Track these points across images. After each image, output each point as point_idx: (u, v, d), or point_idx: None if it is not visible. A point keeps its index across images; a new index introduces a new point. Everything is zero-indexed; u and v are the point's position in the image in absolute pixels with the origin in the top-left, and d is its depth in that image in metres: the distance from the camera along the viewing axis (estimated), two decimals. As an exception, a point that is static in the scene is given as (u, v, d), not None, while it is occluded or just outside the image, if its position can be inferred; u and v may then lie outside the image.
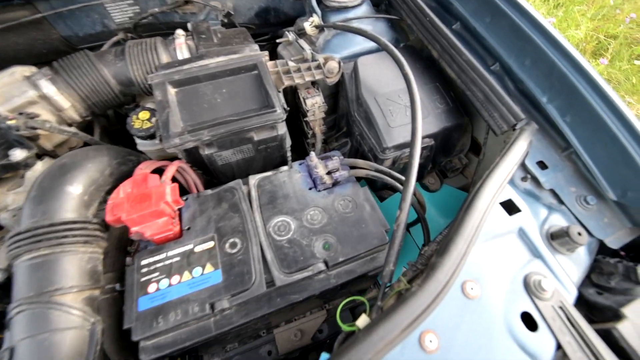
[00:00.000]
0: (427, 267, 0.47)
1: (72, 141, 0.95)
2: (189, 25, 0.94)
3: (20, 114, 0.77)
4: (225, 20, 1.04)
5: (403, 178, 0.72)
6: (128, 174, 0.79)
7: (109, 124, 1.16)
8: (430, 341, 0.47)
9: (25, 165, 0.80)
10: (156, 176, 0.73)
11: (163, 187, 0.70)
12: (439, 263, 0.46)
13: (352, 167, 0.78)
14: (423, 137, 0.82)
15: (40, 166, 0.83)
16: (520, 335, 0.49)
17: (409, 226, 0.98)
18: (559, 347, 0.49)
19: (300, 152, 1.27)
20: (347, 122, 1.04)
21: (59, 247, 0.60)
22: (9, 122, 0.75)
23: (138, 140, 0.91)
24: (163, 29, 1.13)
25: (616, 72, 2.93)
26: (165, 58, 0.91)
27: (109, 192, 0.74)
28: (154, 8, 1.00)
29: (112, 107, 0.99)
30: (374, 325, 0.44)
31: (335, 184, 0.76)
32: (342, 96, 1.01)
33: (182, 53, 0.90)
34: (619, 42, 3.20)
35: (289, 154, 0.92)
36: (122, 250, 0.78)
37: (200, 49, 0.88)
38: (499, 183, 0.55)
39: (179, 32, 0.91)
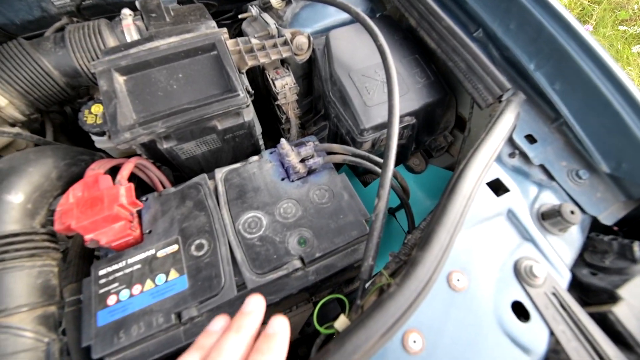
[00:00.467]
0: (408, 263, 0.42)
1: (20, 143, 0.86)
2: (137, 4, 0.83)
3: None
4: (181, -3, 0.93)
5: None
6: (81, 176, 0.71)
7: (67, 122, 1.06)
8: (414, 341, 0.43)
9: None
10: (108, 177, 0.65)
11: (117, 188, 0.63)
12: (419, 258, 0.40)
13: (329, 153, 0.72)
14: (403, 116, 0.76)
15: (-20, 173, 0.74)
16: (511, 327, 0.45)
17: (394, 211, 0.93)
18: (552, 336, 0.45)
19: (276, 138, 1.19)
20: (323, 104, 0.97)
21: (0, 263, 0.53)
22: None
23: (94, 137, 0.82)
24: (114, 11, 1.01)
25: (600, 39, 2.87)
26: (112, 42, 0.80)
27: (60, 195, 0.67)
28: (97, -14, 0.88)
29: (62, 102, 0.89)
30: (350, 331, 0.39)
31: (310, 172, 0.70)
32: (315, 75, 0.93)
33: (131, 35, 0.80)
34: (603, 8, 3.12)
35: (260, 141, 0.85)
36: (86, 258, 0.71)
37: (151, 30, 0.78)
38: (484, 163, 0.50)
39: (125, 11, 0.81)
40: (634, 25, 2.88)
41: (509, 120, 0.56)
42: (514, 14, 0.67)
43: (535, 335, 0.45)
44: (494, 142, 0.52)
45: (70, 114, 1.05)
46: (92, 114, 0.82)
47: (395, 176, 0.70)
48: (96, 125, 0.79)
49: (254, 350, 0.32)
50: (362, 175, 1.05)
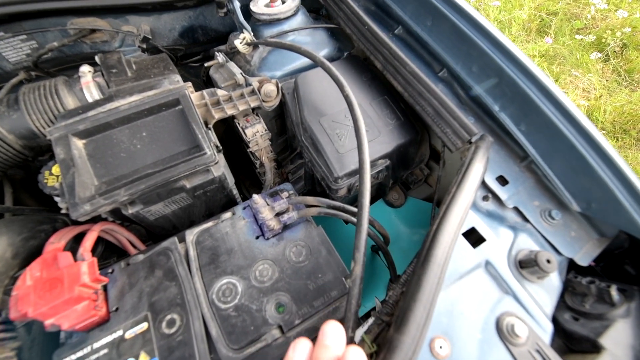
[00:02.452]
0: (384, 346, 0.40)
1: (-27, 211, 0.80)
2: (97, 58, 0.80)
3: None
4: (144, 46, 0.91)
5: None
6: (40, 249, 0.66)
7: (30, 175, 1.00)
8: None
9: None
10: (68, 254, 0.60)
11: (78, 266, 0.58)
12: (396, 342, 0.38)
13: (306, 206, 0.70)
14: (377, 159, 0.75)
15: None
16: (499, 396, 0.44)
17: (377, 249, 0.91)
18: (541, 400, 0.44)
19: (256, 180, 1.17)
20: (297, 143, 0.95)
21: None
22: None
23: (57, 199, 0.77)
24: (75, 61, 0.98)
25: (560, 48, 3.04)
26: (70, 101, 0.77)
27: (16, 278, 0.61)
28: (54, 42, 0.85)
29: (19, 163, 0.84)
30: None
31: (286, 227, 0.67)
32: (287, 117, 0.92)
33: (91, 93, 0.77)
34: (560, 19, 3.33)
35: (235, 191, 0.83)
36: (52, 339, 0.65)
37: (112, 87, 0.75)
38: (457, 219, 0.49)
39: (84, 69, 0.78)
40: (589, 34, 3.07)
41: (479, 168, 0.55)
42: (475, 58, 0.68)
43: (524, 401, 0.44)
44: (465, 195, 0.52)
45: (34, 167, 0.99)
46: (53, 175, 0.78)
47: (372, 224, 0.68)
48: (58, 188, 0.75)
49: None
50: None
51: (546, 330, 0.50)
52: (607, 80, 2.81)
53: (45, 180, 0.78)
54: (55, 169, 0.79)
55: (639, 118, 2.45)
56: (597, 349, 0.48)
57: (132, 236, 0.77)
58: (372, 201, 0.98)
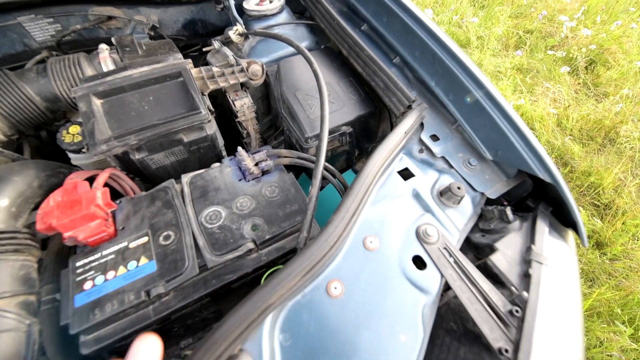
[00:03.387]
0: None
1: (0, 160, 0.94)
2: (113, 39, 0.97)
3: None
4: (152, 34, 1.08)
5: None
6: (59, 185, 0.80)
7: (42, 145, 1.14)
8: (335, 288, 0.55)
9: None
10: (86, 183, 0.75)
11: (93, 191, 0.73)
12: (330, 220, 0.54)
13: (279, 157, 0.86)
14: (341, 125, 0.92)
15: (-38, 188, 0.82)
16: (412, 275, 0.59)
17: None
18: (443, 278, 0.59)
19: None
20: (280, 120, 1.12)
21: (-14, 257, 0.61)
22: None
23: (71, 155, 0.93)
24: (90, 45, 1.15)
25: (535, 62, 3.32)
26: (89, 72, 0.93)
27: (39, 204, 0.75)
28: (76, 25, 1.02)
29: (41, 125, 0.99)
30: (277, 273, 0.51)
31: (264, 173, 0.83)
32: (271, 96, 1.09)
33: (107, 66, 0.94)
34: (535, 36, 3.63)
35: (223, 152, 0.98)
36: (61, 264, 0.79)
37: (125, 61, 0.92)
38: (386, 151, 0.66)
39: (102, 46, 0.95)
40: (560, 50, 3.35)
41: (409, 121, 0.73)
42: (416, 45, 0.87)
43: (430, 279, 0.59)
44: (396, 136, 0.68)
45: (46, 138, 1.14)
46: (70, 134, 0.93)
47: (334, 175, 0.85)
48: (73, 144, 0.90)
49: None
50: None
51: (454, 237, 0.66)
52: (576, 93, 3.07)
53: (63, 138, 0.93)
54: (72, 129, 0.94)
55: (604, 126, 2.69)
56: (493, 250, 0.64)
57: (134, 185, 0.91)
58: (342, 171, 1.15)
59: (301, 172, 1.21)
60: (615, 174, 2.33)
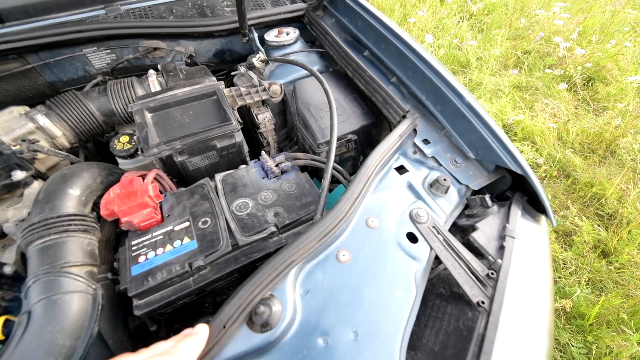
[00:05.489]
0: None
1: (62, 164, 1.13)
2: (159, 66, 1.18)
3: (23, 140, 0.95)
4: (189, 61, 1.30)
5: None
6: (115, 182, 0.98)
7: (89, 154, 1.34)
8: (344, 255, 0.69)
9: (25, 184, 0.97)
10: (140, 179, 0.93)
11: (146, 185, 0.90)
12: (339, 200, 0.69)
13: (295, 159, 1.02)
14: (347, 133, 1.09)
15: (37, 185, 1.00)
16: (406, 247, 0.72)
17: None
18: (432, 250, 0.72)
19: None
20: (295, 132, 1.30)
21: (65, 233, 0.77)
22: (13, 148, 0.93)
23: (120, 160, 1.11)
24: (136, 71, 1.37)
25: (534, 80, 3.50)
26: (140, 92, 1.13)
27: (100, 196, 0.92)
28: (129, 55, 1.24)
29: (96, 135, 1.18)
30: (298, 237, 0.65)
31: (283, 172, 0.99)
32: (287, 112, 1.28)
33: (155, 87, 1.14)
34: (533, 56, 3.83)
35: (247, 158, 1.15)
36: (110, 250, 0.94)
37: (170, 83, 1.12)
38: (384, 148, 0.81)
39: (151, 72, 1.15)
40: (558, 69, 3.53)
41: (402, 127, 0.88)
42: (409, 67, 1.04)
43: (421, 250, 0.72)
44: (391, 138, 0.84)
45: (92, 149, 1.34)
46: (120, 142, 1.12)
47: (342, 173, 1.00)
48: (123, 150, 1.09)
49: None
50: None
51: (442, 218, 0.79)
52: (575, 108, 3.21)
53: (114, 145, 1.12)
54: (123, 138, 1.13)
55: (604, 139, 2.79)
56: (474, 229, 0.77)
57: (173, 185, 1.08)
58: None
59: (314, 175, 1.37)
60: (617, 184, 2.40)
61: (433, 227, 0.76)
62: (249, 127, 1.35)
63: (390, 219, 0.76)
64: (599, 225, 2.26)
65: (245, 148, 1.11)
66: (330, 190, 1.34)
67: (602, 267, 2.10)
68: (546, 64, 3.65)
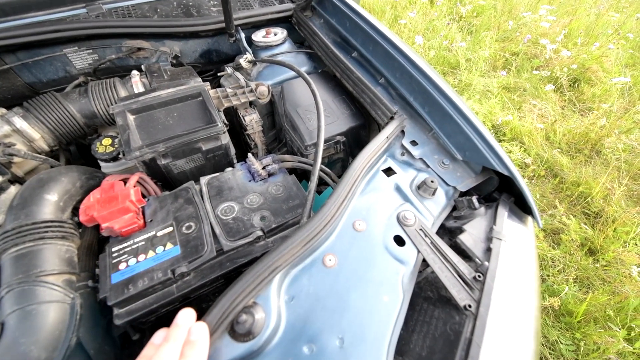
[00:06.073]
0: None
1: (41, 168, 1.09)
2: (143, 67, 1.15)
3: (-1, 144, 0.92)
4: (174, 62, 1.27)
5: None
6: (96, 187, 0.95)
7: (72, 157, 1.30)
8: (330, 259, 0.68)
9: (0, 189, 0.93)
10: (122, 183, 0.90)
11: (128, 189, 0.88)
12: (325, 204, 0.68)
13: (283, 162, 1.01)
14: (335, 135, 1.08)
15: (13, 190, 0.96)
16: (393, 250, 0.71)
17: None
18: (419, 253, 0.72)
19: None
20: (283, 134, 1.28)
21: (41, 240, 0.74)
22: (-13, 153, 0.89)
23: (102, 163, 1.08)
24: (120, 72, 1.34)
25: (522, 81, 3.55)
26: (123, 94, 1.10)
27: (80, 201, 0.89)
28: (111, 55, 1.21)
29: (78, 137, 1.15)
30: (282, 241, 0.64)
31: (270, 175, 0.97)
32: (276, 113, 1.26)
33: (138, 88, 1.11)
34: (521, 58, 3.89)
35: (235, 160, 1.13)
36: (91, 257, 0.91)
37: (153, 84, 1.09)
38: (371, 150, 0.80)
39: (134, 72, 1.12)
40: (545, 70, 3.59)
41: (389, 129, 0.88)
42: (397, 68, 1.04)
43: (408, 253, 0.71)
44: (378, 140, 0.83)
45: (75, 152, 1.30)
46: (102, 145, 1.09)
47: (330, 175, 0.99)
48: (105, 154, 1.06)
49: (181, 355, 0.47)
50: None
51: (429, 220, 0.78)
52: (562, 108, 3.26)
53: (96, 148, 1.08)
54: (105, 141, 1.10)
55: (590, 139, 2.84)
56: (462, 231, 0.77)
57: (157, 188, 1.06)
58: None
59: (303, 177, 1.36)
60: (603, 183, 2.45)
61: (420, 229, 0.75)
62: (237, 128, 1.33)
63: (378, 222, 0.75)
64: (585, 224, 2.30)
65: (232, 150, 1.09)
66: (319, 192, 1.32)
67: (589, 264, 2.14)
68: (533, 66, 3.71)
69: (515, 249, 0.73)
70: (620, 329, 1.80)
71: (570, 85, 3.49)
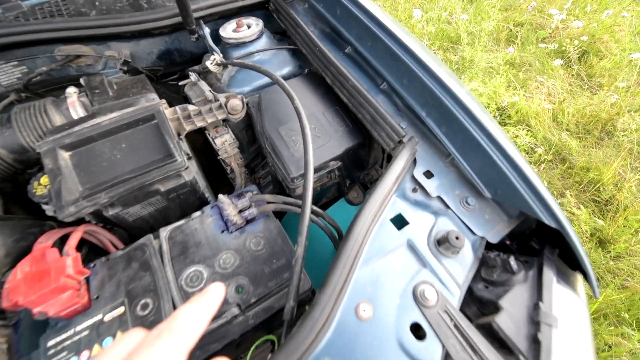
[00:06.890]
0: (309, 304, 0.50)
1: (-33, 220, 0.88)
2: (82, 81, 0.91)
3: None
4: (125, 68, 1.02)
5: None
6: (30, 249, 0.74)
7: (19, 189, 1.08)
8: (327, 371, 0.50)
9: None
10: (55, 250, 0.70)
11: (63, 260, 0.68)
12: (315, 300, 0.49)
13: (263, 205, 0.80)
14: (328, 161, 0.87)
15: None
16: (410, 347, 0.54)
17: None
18: (444, 349, 0.54)
19: (231, 186, 1.27)
20: (265, 152, 1.06)
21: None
22: None
23: (45, 207, 0.86)
24: (62, 83, 1.08)
25: (527, 55, 3.27)
26: (57, 119, 0.87)
27: (7, 273, 0.70)
28: (42, 67, 0.95)
29: (9, 176, 0.92)
30: None
31: (248, 221, 0.78)
32: (255, 128, 1.03)
33: (76, 111, 0.87)
34: (526, 29, 3.58)
35: (207, 194, 0.92)
36: (38, 328, 0.73)
37: (94, 105, 0.86)
38: (377, 203, 0.60)
39: (70, 90, 0.88)
40: (552, 42, 3.30)
41: (401, 163, 0.67)
42: (403, 72, 0.81)
43: (431, 352, 0.54)
44: (388, 183, 0.63)
45: (11, 191, 1.07)
46: (42, 185, 0.87)
47: (322, 217, 0.79)
48: (46, 196, 0.84)
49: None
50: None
51: (455, 296, 0.60)
52: (570, 85, 3.03)
53: (34, 190, 0.86)
54: (44, 180, 0.88)
55: (600, 119, 2.64)
56: (497, 309, 0.59)
57: (113, 237, 0.86)
58: (334, 200, 1.09)
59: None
60: (614, 168, 2.29)
61: (445, 311, 0.57)
62: (210, 148, 1.11)
63: (388, 303, 0.57)
64: (595, 213, 2.18)
65: (202, 184, 0.88)
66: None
67: (599, 257, 2.04)
68: (539, 38, 3.41)
69: (569, 339, 0.55)
70: (634, 333, 1.71)
71: (578, 58, 3.22)
